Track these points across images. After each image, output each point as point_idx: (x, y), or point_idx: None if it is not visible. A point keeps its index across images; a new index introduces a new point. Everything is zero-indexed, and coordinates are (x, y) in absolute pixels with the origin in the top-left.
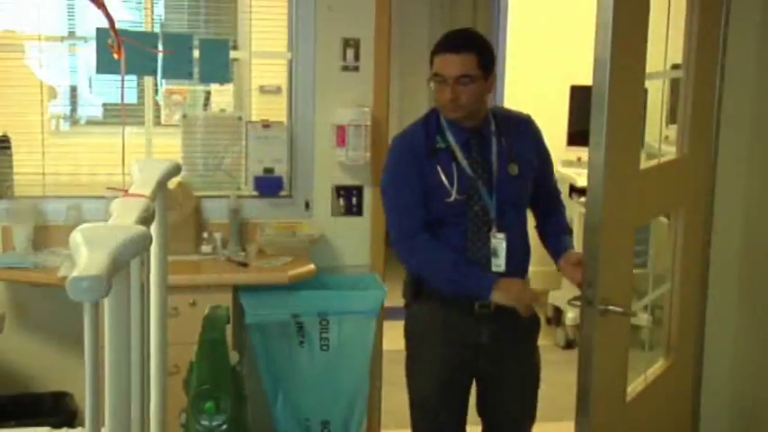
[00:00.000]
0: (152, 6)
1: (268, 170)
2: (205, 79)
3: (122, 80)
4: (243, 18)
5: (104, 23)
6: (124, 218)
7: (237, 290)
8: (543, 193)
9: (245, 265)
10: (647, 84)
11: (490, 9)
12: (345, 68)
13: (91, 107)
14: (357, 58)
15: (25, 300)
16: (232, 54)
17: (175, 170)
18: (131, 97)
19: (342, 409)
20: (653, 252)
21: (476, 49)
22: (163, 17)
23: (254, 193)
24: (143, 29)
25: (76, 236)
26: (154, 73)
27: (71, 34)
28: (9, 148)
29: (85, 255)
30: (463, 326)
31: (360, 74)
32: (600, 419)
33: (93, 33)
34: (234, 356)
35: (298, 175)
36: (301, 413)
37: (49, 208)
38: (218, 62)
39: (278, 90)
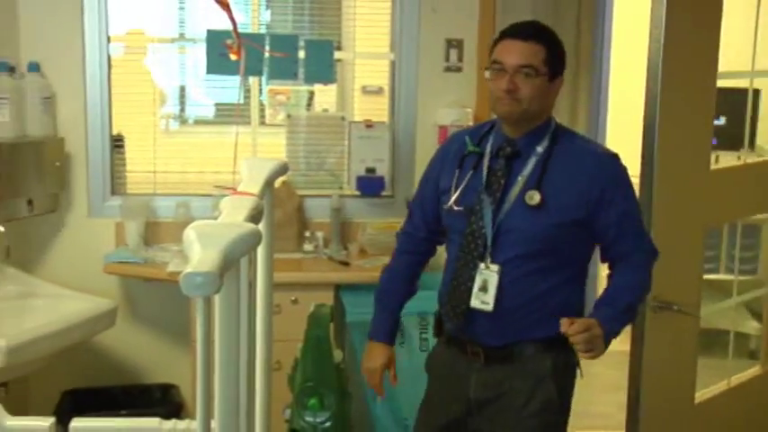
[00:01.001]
0: (259, 9)
1: (370, 170)
2: (310, 80)
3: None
4: (347, 19)
5: (214, 26)
6: (234, 215)
7: (339, 288)
8: (609, 250)
9: (346, 264)
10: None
11: (596, 9)
12: (448, 69)
13: (199, 107)
14: (460, 58)
15: (136, 294)
16: (336, 55)
17: (283, 169)
18: (236, 98)
19: None
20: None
21: (545, 42)
22: (268, 19)
23: (356, 192)
24: (250, 30)
25: (190, 233)
26: (261, 74)
27: (181, 36)
28: (123, 146)
29: (198, 251)
30: (456, 371)
31: (463, 74)
32: (656, 417)
33: (202, 35)
34: (338, 354)
35: (399, 175)
36: (400, 413)
37: (159, 205)
38: (322, 63)
39: (380, 90)
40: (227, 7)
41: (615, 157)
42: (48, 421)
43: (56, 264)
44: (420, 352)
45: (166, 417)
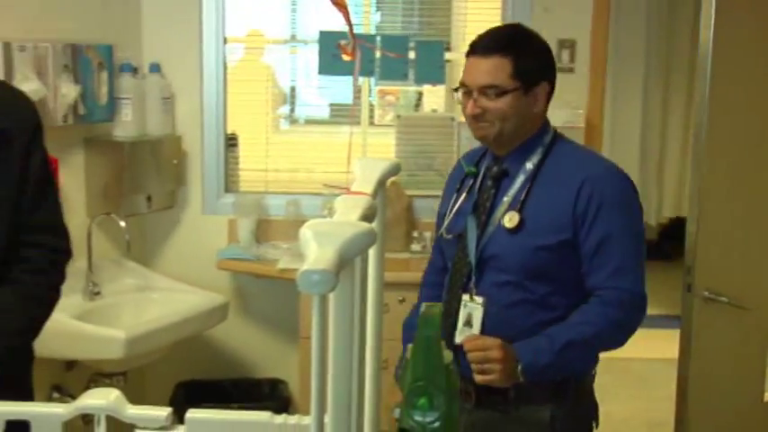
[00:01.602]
0: (370, 10)
1: None
2: (420, 80)
3: (354, 81)
4: (457, 20)
5: (326, 27)
6: (348, 214)
7: None
8: (586, 282)
9: None
10: None
11: None
12: (560, 70)
13: (310, 107)
14: (572, 59)
15: (247, 290)
16: (446, 56)
17: (395, 169)
18: (346, 98)
19: None
20: None
21: (510, 53)
22: (378, 20)
23: None
24: (362, 32)
25: (306, 231)
26: (372, 74)
27: (293, 37)
28: (237, 145)
29: (315, 249)
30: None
31: (575, 75)
32: (712, 416)
33: (313, 36)
34: (447, 355)
35: None
36: None
37: (270, 203)
38: (433, 64)
39: None
40: (344, 9)
41: (614, 170)
42: (165, 411)
43: (171, 258)
44: None
45: (276, 411)
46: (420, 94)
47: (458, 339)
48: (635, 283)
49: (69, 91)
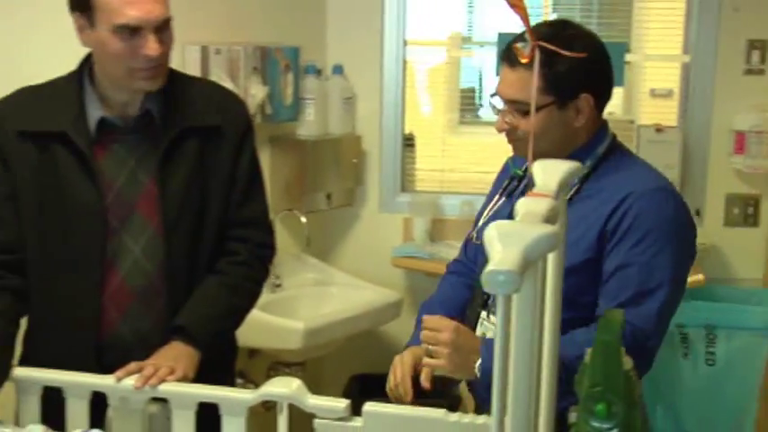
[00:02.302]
0: (548, 12)
1: None
2: None
3: (534, 83)
4: (637, 21)
5: (503, 29)
6: (530, 216)
7: None
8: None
9: None
10: None
11: None
12: (749, 72)
13: (486, 109)
14: (763, 60)
15: (420, 287)
16: (625, 57)
17: (576, 171)
18: None
19: (728, 430)
20: None
21: (542, 62)
22: None
23: None
24: None
25: (491, 231)
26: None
27: (468, 39)
28: (414, 145)
29: (500, 250)
30: None
31: (765, 77)
32: None
33: (489, 38)
34: (627, 362)
35: (689, 181)
36: (682, 427)
37: (445, 203)
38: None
39: (669, 93)
40: (522, 11)
41: (666, 192)
42: (343, 403)
43: (349, 255)
44: (706, 366)
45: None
46: None
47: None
48: (646, 321)
49: (258, 91)
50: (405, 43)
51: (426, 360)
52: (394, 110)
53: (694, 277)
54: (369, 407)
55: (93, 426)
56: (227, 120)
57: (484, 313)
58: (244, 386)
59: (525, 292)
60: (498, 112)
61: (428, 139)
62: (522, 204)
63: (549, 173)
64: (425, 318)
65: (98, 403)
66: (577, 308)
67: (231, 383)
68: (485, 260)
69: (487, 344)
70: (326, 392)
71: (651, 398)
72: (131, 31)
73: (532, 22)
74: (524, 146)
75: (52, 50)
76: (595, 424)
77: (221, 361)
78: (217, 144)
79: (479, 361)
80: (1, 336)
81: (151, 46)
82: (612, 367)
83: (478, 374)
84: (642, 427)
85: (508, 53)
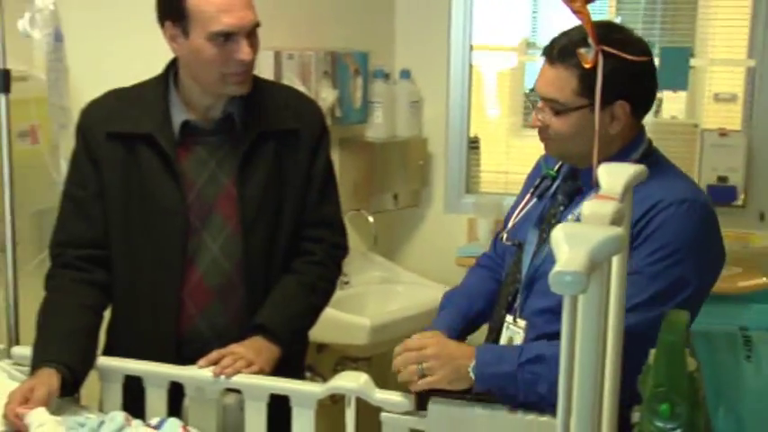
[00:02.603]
0: (612, 16)
1: (722, 179)
2: (662, 86)
3: (597, 87)
4: (702, 25)
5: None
6: (596, 218)
7: None
8: None
9: None
10: None
11: None
12: None
13: None
14: None
15: None
16: (690, 61)
17: (641, 175)
18: None
19: None
20: None
21: (579, 64)
22: None
23: None
24: None
25: (558, 233)
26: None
27: (532, 44)
28: (478, 148)
29: (566, 251)
30: None
31: None
32: None
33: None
34: (691, 363)
35: (753, 185)
36: (744, 430)
37: (508, 204)
38: (677, 69)
39: (733, 98)
40: (585, 17)
41: (698, 206)
42: (409, 398)
43: (414, 254)
44: None
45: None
46: (659, 101)
47: None
48: (651, 328)
49: (328, 95)
50: (471, 48)
51: (420, 382)
52: (459, 113)
53: (757, 281)
54: (435, 402)
55: (170, 414)
56: (304, 123)
57: (509, 317)
58: (312, 379)
59: (591, 293)
60: (534, 107)
61: (492, 141)
62: (588, 206)
63: (615, 176)
64: (406, 342)
65: (175, 393)
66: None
67: (301, 377)
68: (512, 261)
69: (485, 347)
70: (391, 388)
71: (713, 400)
72: (225, 38)
73: (585, 27)
74: (555, 145)
75: (137, 55)
76: (659, 424)
77: (293, 355)
78: (294, 147)
79: (472, 364)
80: (87, 327)
81: (244, 50)
82: (676, 368)
83: (473, 377)
84: (705, 429)
85: (549, 49)
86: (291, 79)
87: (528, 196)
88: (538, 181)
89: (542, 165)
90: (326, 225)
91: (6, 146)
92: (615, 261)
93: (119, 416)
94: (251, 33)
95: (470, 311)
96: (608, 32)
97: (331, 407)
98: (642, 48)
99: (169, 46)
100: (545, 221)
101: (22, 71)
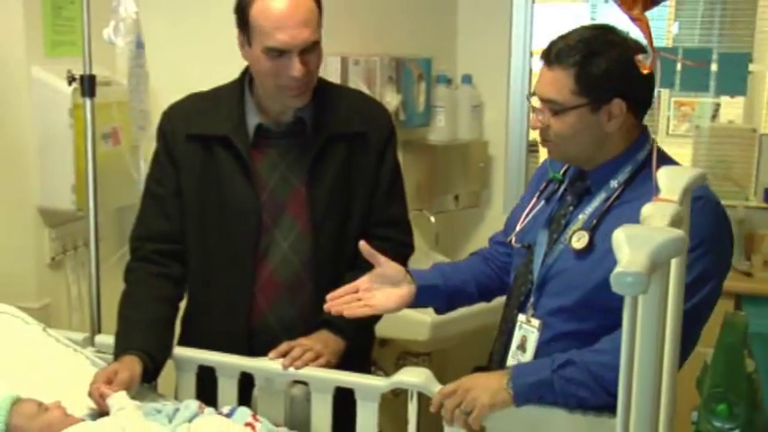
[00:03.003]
0: (671, 23)
1: None
2: (721, 91)
3: (657, 93)
4: (761, 31)
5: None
6: (657, 220)
7: (740, 298)
8: None
9: (748, 275)
10: None
11: None
12: None
13: None
14: None
15: None
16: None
17: (700, 178)
18: None
19: None
20: None
21: (574, 64)
22: (676, 32)
23: (763, 204)
24: (663, 44)
25: (619, 234)
26: (672, 86)
27: None
28: (537, 151)
29: (628, 253)
30: None
31: None
32: None
33: None
34: (750, 364)
35: None
36: None
37: None
38: (735, 75)
39: None
40: (644, 23)
41: (711, 203)
42: None
43: None
44: None
45: None
46: (717, 106)
47: (509, 363)
48: None
49: (392, 99)
50: (530, 54)
51: (471, 419)
52: (519, 117)
53: None
54: None
55: (240, 404)
56: (372, 126)
57: (522, 316)
58: (374, 373)
59: (651, 294)
60: (534, 110)
61: None
62: (648, 209)
63: (674, 179)
64: (439, 391)
65: (246, 383)
66: (607, 313)
67: (367, 371)
68: (522, 262)
69: (516, 364)
70: (449, 381)
71: None
72: (279, 53)
73: (644, 34)
74: (556, 148)
75: (212, 61)
76: (717, 424)
77: (360, 350)
78: (362, 149)
79: (506, 380)
80: (165, 318)
81: (295, 67)
82: (735, 369)
83: (511, 391)
84: (763, 430)
85: (547, 53)
86: (357, 84)
87: (534, 200)
88: (544, 184)
89: (548, 168)
90: (394, 224)
91: (91, 147)
92: (674, 263)
93: (193, 404)
94: (307, 50)
95: (451, 279)
96: (605, 34)
97: (393, 400)
98: (633, 45)
99: (240, 51)
100: (554, 222)
101: (105, 76)
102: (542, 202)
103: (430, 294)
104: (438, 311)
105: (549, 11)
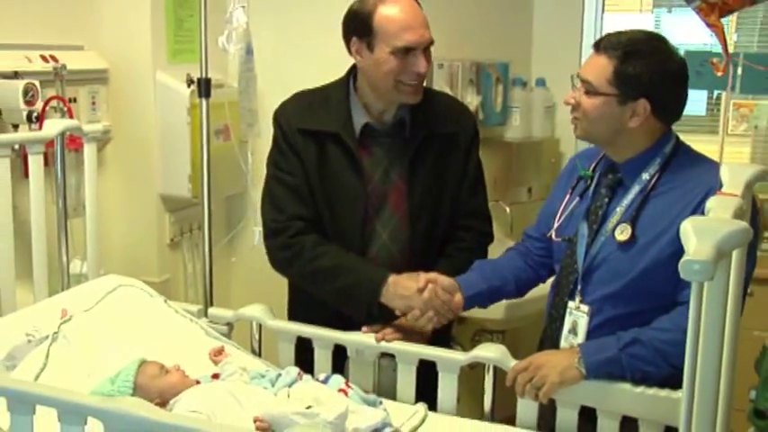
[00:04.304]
0: (732, 30)
1: None
2: None
3: (728, 95)
4: None
5: (689, 45)
6: (722, 213)
7: None
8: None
9: None
10: None
11: None
12: None
13: None
14: None
15: None
16: None
17: (762, 175)
18: (700, 109)
19: None
20: None
21: (617, 57)
22: (735, 40)
23: None
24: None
25: (687, 225)
26: (734, 88)
27: None
28: None
29: (695, 242)
30: None
31: None
32: None
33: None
34: None
35: None
36: None
37: None
38: None
39: None
40: (719, 29)
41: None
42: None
43: None
44: None
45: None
46: None
47: (563, 346)
48: None
49: (472, 100)
50: None
51: (541, 393)
52: None
53: None
54: None
55: (334, 372)
56: (461, 127)
57: (572, 303)
58: (453, 348)
59: (717, 280)
60: (574, 87)
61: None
62: (713, 202)
63: (736, 175)
64: (513, 367)
65: (339, 354)
66: (655, 297)
67: (448, 345)
68: (566, 254)
69: (586, 343)
70: (522, 357)
71: None
72: (405, 52)
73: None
74: (581, 125)
75: (313, 65)
76: None
77: (442, 327)
78: (452, 148)
79: (577, 358)
80: (339, 253)
81: (422, 63)
82: None
83: (583, 369)
84: None
85: (600, 40)
86: (441, 86)
87: (568, 196)
88: (574, 182)
89: (578, 165)
90: (476, 215)
91: (205, 142)
92: (735, 252)
93: (293, 370)
94: (426, 49)
95: (491, 280)
96: (652, 41)
97: (469, 372)
98: (676, 59)
99: (354, 58)
100: (591, 215)
101: (219, 79)
102: (576, 199)
103: (476, 301)
104: (481, 307)
105: (618, 19)
